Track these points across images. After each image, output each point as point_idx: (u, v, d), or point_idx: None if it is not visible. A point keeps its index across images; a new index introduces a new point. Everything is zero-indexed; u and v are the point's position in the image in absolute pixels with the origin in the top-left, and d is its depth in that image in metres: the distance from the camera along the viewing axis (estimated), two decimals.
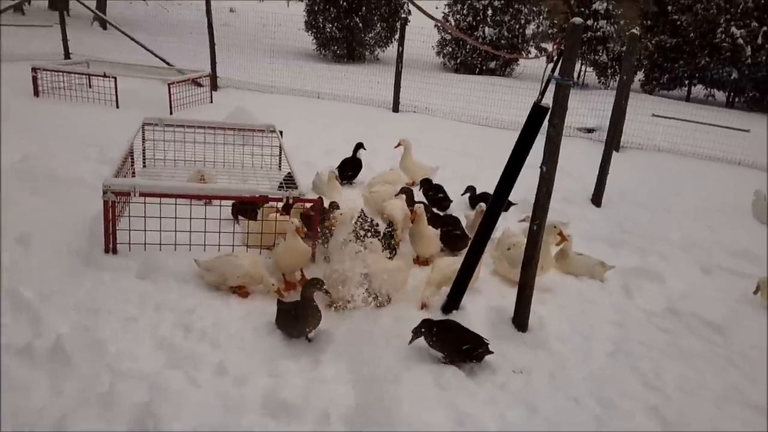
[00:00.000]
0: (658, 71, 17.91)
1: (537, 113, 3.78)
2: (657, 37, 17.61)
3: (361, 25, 18.29)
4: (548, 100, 3.71)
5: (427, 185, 6.21)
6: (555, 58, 3.69)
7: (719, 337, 4.29)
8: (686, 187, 8.34)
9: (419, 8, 4.32)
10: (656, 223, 6.54)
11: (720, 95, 18.15)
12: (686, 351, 4.06)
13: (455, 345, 3.49)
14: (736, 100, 17.67)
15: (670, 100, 16.09)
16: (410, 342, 3.55)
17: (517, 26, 18.90)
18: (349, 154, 6.87)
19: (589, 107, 11.13)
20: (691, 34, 16.80)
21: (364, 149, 6.91)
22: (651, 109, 12.14)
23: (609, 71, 17.84)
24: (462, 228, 5.21)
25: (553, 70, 3.68)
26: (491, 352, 3.57)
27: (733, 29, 16.17)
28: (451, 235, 5.09)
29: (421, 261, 4.84)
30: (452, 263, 4.23)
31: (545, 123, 3.75)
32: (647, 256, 5.52)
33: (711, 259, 5.65)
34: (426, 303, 4.12)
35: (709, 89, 17.86)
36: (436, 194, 6.11)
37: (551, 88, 3.70)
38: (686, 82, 17.89)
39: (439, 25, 5.18)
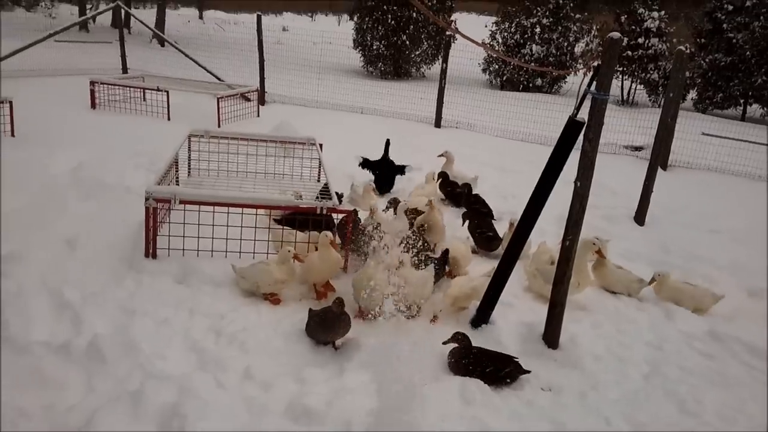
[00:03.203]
0: (712, 90, 17.39)
1: (572, 128, 3.74)
2: (711, 56, 17.13)
3: (408, 42, 18.47)
4: (585, 115, 3.67)
5: (444, 178, 6.63)
6: (592, 72, 3.66)
7: (763, 363, 4.10)
8: (735, 207, 8.03)
9: (462, 35, 4.36)
10: (702, 244, 6.32)
11: None
12: (727, 377, 3.89)
13: (482, 367, 3.47)
14: None
15: (724, 119, 15.56)
16: (445, 343, 3.57)
17: (566, 44, 18.71)
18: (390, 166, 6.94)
19: (637, 125, 10.91)
20: (748, 53, 16.27)
21: (390, 144, 7.05)
22: (702, 128, 11.77)
23: (659, 89, 17.42)
24: (494, 229, 5.44)
25: (589, 85, 3.64)
26: (527, 371, 3.52)
27: None
28: (484, 237, 5.35)
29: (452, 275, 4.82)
30: (470, 281, 4.23)
31: (580, 138, 3.70)
32: (690, 277, 5.33)
33: (758, 282, 5.41)
34: (436, 317, 4.13)
35: (765, 109, 17.22)
36: (454, 189, 6.54)
37: (587, 103, 3.66)
38: (741, 101, 17.30)
39: (481, 47, 5.22)
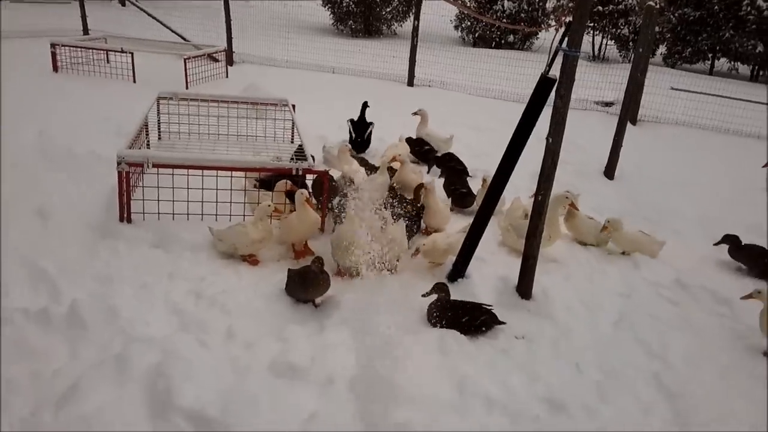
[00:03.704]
0: (681, 44, 17.54)
1: (544, 85, 3.77)
2: (680, 10, 17.21)
3: None
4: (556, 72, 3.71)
5: (412, 141, 6.73)
6: (564, 29, 3.67)
7: (727, 309, 4.29)
8: (703, 161, 8.24)
9: None
10: (670, 197, 6.50)
11: (744, 69, 17.74)
12: (693, 322, 4.08)
13: (457, 319, 3.57)
14: (761, 73, 17.26)
15: (693, 73, 15.73)
16: (425, 295, 3.67)
17: (537, 0, 18.57)
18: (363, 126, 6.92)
19: (608, 81, 10.97)
20: (716, 7, 16.38)
21: (368, 106, 6.99)
22: (671, 83, 11.90)
23: (630, 45, 17.49)
24: (468, 186, 5.54)
25: (561, 42, 3.66)
26: (502, 322, 3.64)
27: (759, 1, 15.73)
28: (458, 193, 5.46)
29: (428, 232, 4.90)
30: (446, 237, 4.32)
31: (552, 94, 3.74)
32: (658, 229, 5.48)
33: (723, 232, 5.60)
34: (417, 250, 4.29)
35: (733, 63, 17.47)
36: (422, 148, 6.66)
37: (559, 59, 3.69)
38: (710, 55, 17.51)
39: (453, 4, 5.19)
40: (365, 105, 7.01)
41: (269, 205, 4.15)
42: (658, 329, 3.92)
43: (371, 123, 6.94)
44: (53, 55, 9.15)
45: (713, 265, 5.01)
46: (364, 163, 5.97)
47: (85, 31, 12.23)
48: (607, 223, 4.91)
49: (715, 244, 5.03)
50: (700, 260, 5.04)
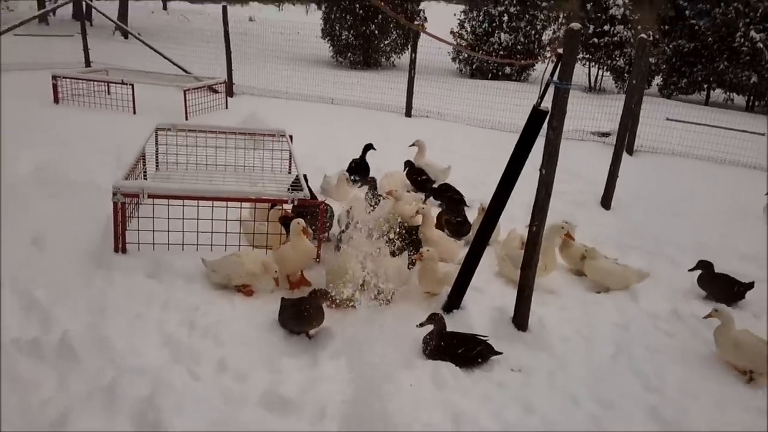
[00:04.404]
0: (676, 75, 17.77)
1: (536, 116, 3.82)
2: (675, 42, 17.48)
3: (377, 32, 18.43)
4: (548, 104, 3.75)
5: (410, 167, 6.82)
6: (554, 62, 3.72)
7: None
8: (699, 190, 8.26)
9: (426, 33, 4.39)
10: (667, 227, 6.50)
11: (739, 99, 17.93)
12: (690, 354, 4.04)
13: (453, 350, 3.54)
14: (756, 104, 17.45)
15: (689, 104, 15.91)
16: (420, 325, 3.63)
17: (533, 32, 18.88)
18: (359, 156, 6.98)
19: (604, 111, 11.08)
20: (710, 39, 16.65)
21: (374, 149, 7.02)
22: (667, 113, 12.04)
23: (625, 76, 17.71)
24: (464, 214, 5.59)
25: (552, 74, 3.71)
26: (498, 353, 3.61)
27: (753, 33, 15.99)
28: (454, 222, 5.47)
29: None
30: (441, 267, 4.32)
31: (545, 126, 3.78)
32: (655, 259, 5.49)
33: (721, 263, 5.58)
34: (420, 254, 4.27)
35: (728, 93, 17.67)
36: (420, 176, 6.69)
37: (552, 91, 3.73)
38: (705, 86, 17.72)
39: (449, 43, 5.27)
40: (368, 147, 7.04)
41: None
42: (655, 361, 3.89)
43: (370, 144, 7.00)
44: (54, 86, 9.27)
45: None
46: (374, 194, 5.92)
47: (87, 63, 12.42)
48: (585, 252, 4.89)
49: (690, 270, 5.00)
50: (696, 289, 5.01)
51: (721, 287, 4.86)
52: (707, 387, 3.68)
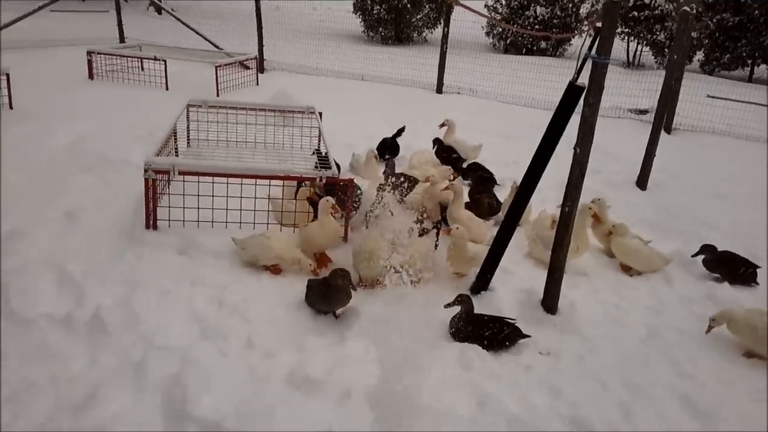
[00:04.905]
0: (719, 51, 17.09)
1: (572, 92, 3.70)
2: (718, 15, 16.78)
3: (409, 6, 18.13)
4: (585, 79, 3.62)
5: (439, 145, 6.71)
6: (593, 36, 3.59)
7: None
8: (740, 171, 7.97)
9: (461, 5, 4.29)
10: (705, 209, 6.30)
11: None
12: (724, 340, 3.91)
13: (480, 332, 3.50)
14: None
15: (731, 80, 15.34)
16: (447, 306, 3.60)
17: (570, 5, 18.32)
18: (389, 135, 6.91)
19: (643, 88, 10.75)
20: (756, 12, 15.93)
21: (402, 134, 6.97)
22: (708, 90, 11.62)
23: (666, 51, 17.11)
24: (494, 195, 5.48)
25: (590, 49, 3.57)
26: (527, 336, 3.56)
27: None
28: (484, 202, 5.34)
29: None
30: (470, 247, 4.24)
31: (581, 103, 3.66)
32: (691, 242, 5.31)
33: (760, 246, 5.41)
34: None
35: None
36: (450, 155, 6.57)
37: (588, 67, 3.60)
38: (749, 62, 17.02)
39: (483, 15, 5.12)
40: (401, 130, 6.97)
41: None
42: (688, 346, 3.79)
43: (403, 128, 6.95)
44: (89, 62, 9.39)
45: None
46: (393, 172, 5.84)
47: (122, 39, 12.53)
48: (613, 228, 4.77)
49: (693, 256, 4.84)
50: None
51: (728, 269, 4.71)
52: (742, 375, 3.56)
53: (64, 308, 3.39)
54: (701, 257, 4.78)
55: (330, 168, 4.61)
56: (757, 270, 4.71)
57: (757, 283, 4.70)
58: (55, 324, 3.25)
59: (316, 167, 4.83)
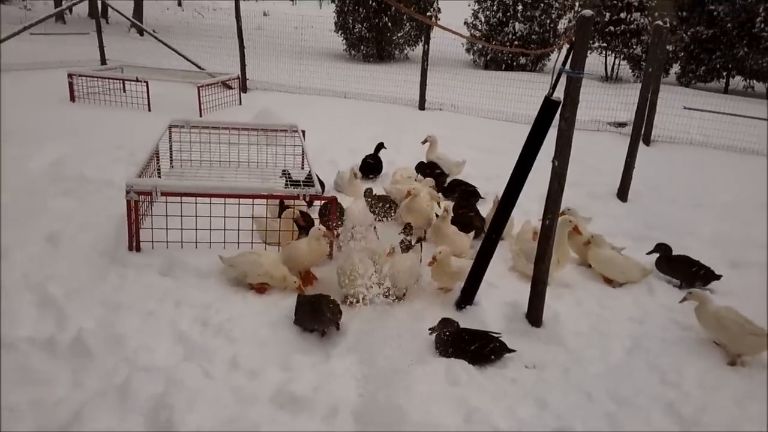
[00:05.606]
0: (695, 63, 17.45)
1: (548, 107, 3.76)
2: (693, 28, 17.16)
3: (390, 24, 18.34)
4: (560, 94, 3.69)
5: (423, 165, 6.77)
6: (566, 51, 3.66)
7: None
8: (718, 181, 8.11)
9: (439, 26, 4.37)
10: (685, 218, 6.40)
11: (760, 86, 17.57)
12: (707, 348, 3.96)
13: (466, 347, 3.51)
14: None
15: (707, 92, 15.63)
16: (432, 330, 3.61)
17: (548, 21, 18.65)
18: (373, 151, 6.96)
19: (621, 101, 10.91)
20: (729, 25, 16.31)
21: (385, 148, 6.99)
22: (685, 102, 11.83)
23: (642, 64, 17.43)
24: (476, 209, 5.54)
25: (564, 63, 3.64)
26: (512, 350, 3.58)
27: None
28: (465, 216, 5.38)
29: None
30: (454, 262, 4.26)
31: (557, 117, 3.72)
32: (673, 251, 5.39)
33: (740, 254, 5.49)
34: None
35: (748, 80, 17.32)
36: (433, 171, 6.61)
37: (563, 81, 3.67)
38: (724, 74, 17.39)
39: (461, 36, 5.20)
40: (380, 146, 7.01)
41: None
42: (672, 355, 3.82)
43: (381, 144, 6.99)
44: (70, 85, 9.35)
45: (730, 286, 4.88)
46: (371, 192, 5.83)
47: (103, 61, 12.51)
48: (591, 239, 4.83)
49: (648, 253, 4.93)
50: (715, 282, 4.91)
51: (680, 269, 4.82)
52: (726, 381, 3.61)
53: (46, 331, 3.36)
54: (655, 256, 4.90)
55: (313, 186, 4.62)
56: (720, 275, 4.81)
57: (717, 278, 4.77)
58: (36, 347, 3.22)
59: (286, 187, 4.81)
